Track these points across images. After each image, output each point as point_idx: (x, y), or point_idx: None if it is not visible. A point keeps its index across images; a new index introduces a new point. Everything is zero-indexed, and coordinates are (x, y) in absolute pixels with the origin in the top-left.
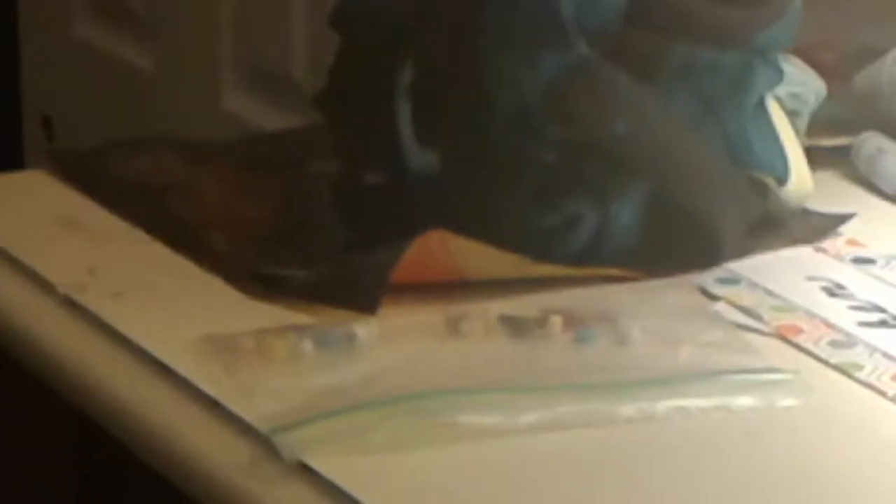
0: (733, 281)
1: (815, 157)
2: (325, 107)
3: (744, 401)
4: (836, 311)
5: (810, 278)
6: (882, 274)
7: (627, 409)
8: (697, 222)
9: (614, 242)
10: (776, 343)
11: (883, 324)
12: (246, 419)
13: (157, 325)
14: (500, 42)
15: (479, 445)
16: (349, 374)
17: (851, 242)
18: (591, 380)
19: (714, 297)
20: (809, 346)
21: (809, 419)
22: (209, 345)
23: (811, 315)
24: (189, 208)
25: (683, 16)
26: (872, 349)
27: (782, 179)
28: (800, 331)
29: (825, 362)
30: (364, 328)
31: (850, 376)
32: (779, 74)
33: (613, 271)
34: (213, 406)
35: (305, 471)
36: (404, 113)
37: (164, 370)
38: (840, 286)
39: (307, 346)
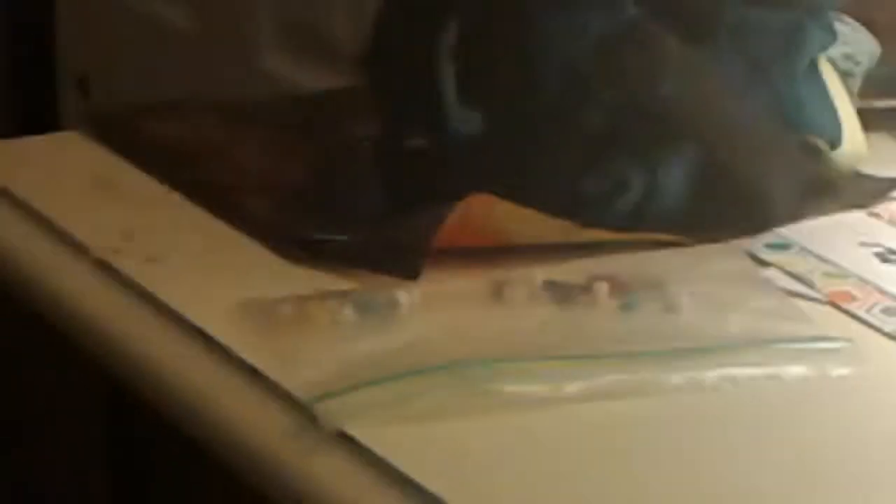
0: (784, 247)
1: (869, 119)
2: (367, 68)
3: (796, 370)
4: (890, 277)
5: (863, 244)
6: None
7: (676, 377)
8: (747, 187)
9: (662, 207)
10: (828, 310)
11: None
12: (285, 387)
13: (194, 290)
14: (547, 2)
15: (523, 415)
16: (391, 342)
17: None
18: (639, 348)
19: (764, 264)
20: (862, 313)
21: (863, 388)
22: (247, 310)
23: (864, 282)
24: (227, 172)
25: None
26: None
27: (835, 142)
28: (852, 298)
29: (878, 330)
30: (406, 294)
31: None
32: (831, 35)
33: (661, 236)
34: (251, 373)
35: (345, 440)
36: (448, 74)
37: (201, 336)
38: (894, 252)
39: (348, 312)
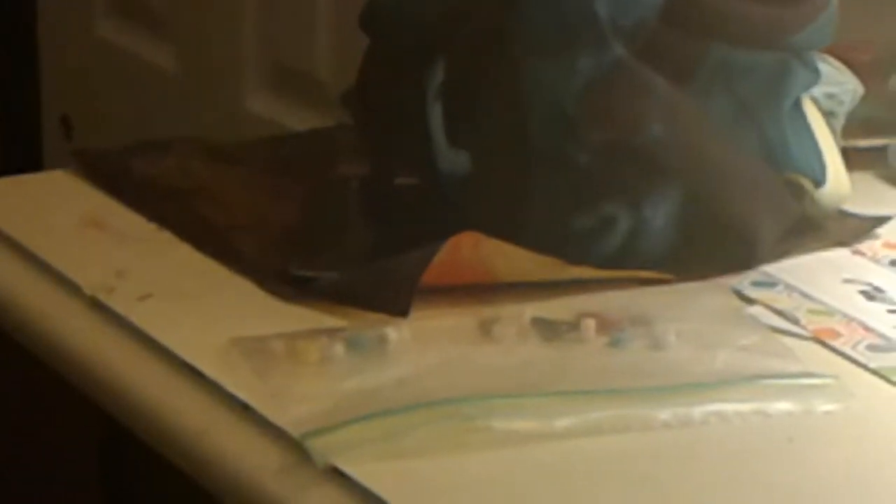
0: (769, 284)
1: (852, 158)
2: (354, 108)
3: (782, 405)
4: (874, 314)
5: (847, 281)
6: None
7: (664, 413)
8: (733, 225)
9: (648, 245)
10: (814, 347)
11: None
12: (277, 423)
13: (186, 328)
14: (534, 43)
15: (514, 450)
16: (381, 378)
17: (889, 245)
18: (627, 384)
19: (750, 301)
20: (847, 350)
21: (849, 424)
22: (239, 348)
23: (849, 318)
24: (216, 210)
25: (719, 16)
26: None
27: (819, 181)
28: (837, 334)
29: (864, 366)
30: (395, 331)
31: (888, 381)
32: (815, 75)
33: (647, 274)
34: (243, 410)
35: (338, 476)
36: (436, 114)
37: (193, 373)
38: (878, 289)
39: (338, 349)
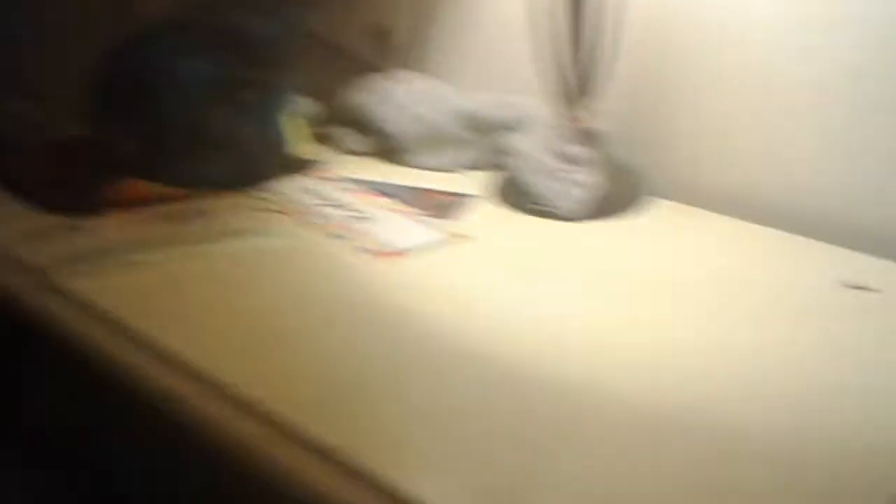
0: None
1: (324, 136)
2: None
3: (261, 242)
4: (314, 204)
5: (308, 190)
6: (334, 189)
7: (215, 247)
8: (250, 163)
9: (212, 176)
10: (285, 218)
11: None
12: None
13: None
14: (169, 54)
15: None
16: (94, 242)
17: (324, 178)
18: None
19: (274, 203)
20: (304, 220)
21: (296, 253)
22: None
23: (303, 205)
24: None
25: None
26: (328, 218)
27: (288, 145)
28: (297, 213)
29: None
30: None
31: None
32: (293, 100)
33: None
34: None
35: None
36: (118, 111)
37: None
38: (318, 193)
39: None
